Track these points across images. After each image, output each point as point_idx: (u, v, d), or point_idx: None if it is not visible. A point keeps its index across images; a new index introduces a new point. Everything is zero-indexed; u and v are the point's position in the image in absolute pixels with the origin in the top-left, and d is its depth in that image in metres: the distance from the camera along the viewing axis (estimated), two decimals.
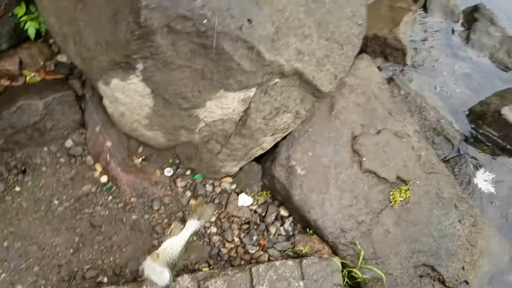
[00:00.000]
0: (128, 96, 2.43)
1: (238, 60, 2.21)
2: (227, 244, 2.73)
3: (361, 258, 2.76)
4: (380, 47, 3.89)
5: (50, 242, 2.43)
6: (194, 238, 2.69)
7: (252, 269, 2.48)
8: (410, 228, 3.00)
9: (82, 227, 2.53)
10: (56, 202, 2.56)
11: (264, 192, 2.98)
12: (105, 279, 2.40)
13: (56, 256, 2.40)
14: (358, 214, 2.86)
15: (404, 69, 3.98)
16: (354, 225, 2.82)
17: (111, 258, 2.48)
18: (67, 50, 2.39)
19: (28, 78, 2.70)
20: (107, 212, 2.63)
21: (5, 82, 2.64)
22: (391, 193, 3.02)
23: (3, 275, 2.27)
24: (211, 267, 2.62)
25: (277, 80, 2.44)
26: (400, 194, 3.04)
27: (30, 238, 2.41)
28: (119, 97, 2.46)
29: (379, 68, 3.99)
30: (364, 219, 2.87)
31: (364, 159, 2.99)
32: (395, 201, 3.00)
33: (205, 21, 2.03)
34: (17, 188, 2.53)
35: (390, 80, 3.80)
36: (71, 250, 2.44)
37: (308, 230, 2.86)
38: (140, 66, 2.19)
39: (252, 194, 2.95)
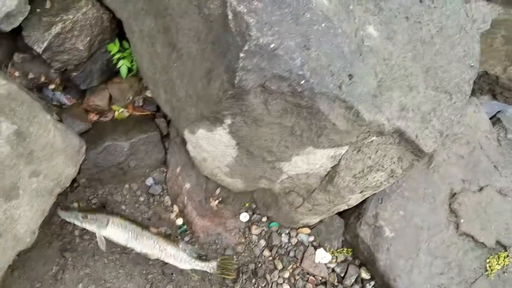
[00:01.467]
0: (212, 145, 2.32)
1: (333, 121, 2.00)
2: None
3: None
4: (489, 85, 3.45)
5: (123, 287, 2.39)
6: None
7: None
8: None
9: (154, 274, 2.47)
10: None
11: (345, 249, 2.74)
12: None
13: None
14: (449, 284, 2.54)
15: None
16: None
17: None
18: (157, 96, 2.34)
19: (116, 113, 2.70)
20: None
21: (94, 117, 2.66)
22: (488, 260, 2.66)
23: None
24: None
25: (374, 138, 2.19)
26: (498, 262, 2.67)
27: (104, 281, 2.39)
28: (203, 144, 2.35)
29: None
30: None
31: (462, 220, 2.65)
32: (491, 270, 2.64)
33: (302, 81, 1.84)
34: None
35: (495, 121, 3.36)
36: None
37: None
38: (228, 121, 2.06)
39: (331, 250, 2.72)
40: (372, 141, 2.21)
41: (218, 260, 2.51)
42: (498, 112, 3.52)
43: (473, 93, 3.41)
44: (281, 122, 2.05)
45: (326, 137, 2.10)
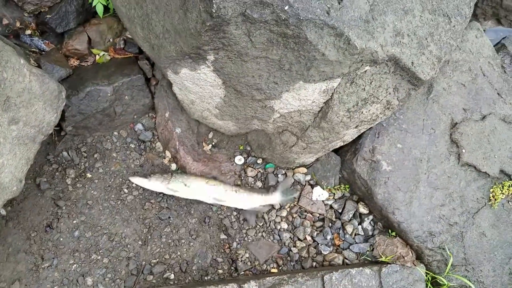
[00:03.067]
0: (198, 86, 2.21)
1: (322, 50, 1.87)
2: (298, 243, 2.54)
3: (449, 265, 2.46)
4: (493, 9, 3.23)
5: (120, 233, 2.40)
6: (264, 235, 2.53)
7: (325, 277, 2.28)
8: (510, 231, 2.61)
9: (151, 218, 2.46)
10: (126, 190, 2.50)
11: (342, 186, 2.70)
12: (172, 276, 2.34)
13: (125, 248, 2.37)
14: (450, 215, 2.52)
15: None
16: (444, 228, 2.49)
17: (178, 253, 2.41)
18: (134, 34, 2.19)
19: (97, 57, 2.57)
20: (175, 203, 2.53)
21: (75, 62, 2.53)
22: (491, 190, 2.63)
23: (74, 266, 2.28)
24: (280, 267, 2.46)
25: (367, 68, 2.07)
26: (502, 191, 2.64)
27: (100, 228, 2.39)
28: (189, 85, 2.24)
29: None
30: (457, 220, 2.52)
31: (463, 150, 2.58)
32: (495, 200, 2.61)
33: (286, 7, 1.69)
34: (89, 175, 2.49)
35: (500, 47, 3.19)
36: (140, 242, 2.39)
37: (390, 231, 2.58)
38: (211, 57, 1.94)
39: (328, 187, 2.68)
40: (365, 71, 2.09)
41: (279, 188, 2.57)
42: (503, 38, 3.34)
43: (475, 18, 3.22)
44: (267, 55, 1.92)
45: (316, 69, 1.98)
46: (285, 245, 2.53)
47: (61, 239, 2.34)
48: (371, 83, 2.15)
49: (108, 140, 2.58)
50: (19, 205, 2.36)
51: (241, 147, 2.73)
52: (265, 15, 1.71)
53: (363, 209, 2.64)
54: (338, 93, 2.14)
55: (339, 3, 1.83)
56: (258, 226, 2.54)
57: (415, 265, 2.43)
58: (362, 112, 2.25)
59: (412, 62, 2.11)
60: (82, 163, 2.51)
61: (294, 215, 2.60)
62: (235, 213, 2.56)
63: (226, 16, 1.68)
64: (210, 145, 2.70)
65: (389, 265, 2.39)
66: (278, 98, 2.18)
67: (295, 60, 1.93)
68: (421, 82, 2.20)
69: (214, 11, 1.65)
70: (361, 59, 1.99)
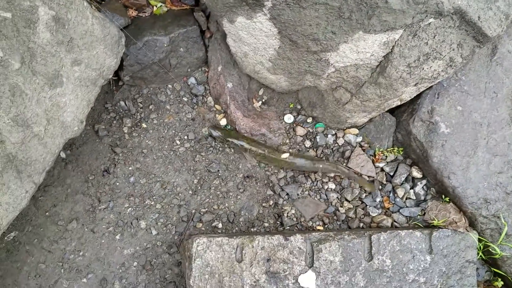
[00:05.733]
0: (253, 36, 2.19)
1: None
2: (345, 204, 2.51)
3: (503, 234, 2.36)
4: None
5: (172, 182, 2.47)
6: (311, 194, 2.52)
7: (372, 237, 2.25)
8: None
9: (201, 170, 2.51)
10: (178, 142, 2.56)
11: (396, 148, 2.62)
12: (220, 225, 2.39)
13: (177, 196, 2.44)
14: (508, 183, 2.39)
15: None
16: (501, 196, 2.37)
17: (226, 204, 2.45)
18: None
19: (155, 8, 2.60)
20: (224, 157, 2.56)
21: (133, 13, 2.58)
22: None
23: (129, 209, 2.38)
24: (326, 226, 2.45)
25: (431, 20, 1.96)
26: None
27: (154, 176, 2.47)
28: (243, 36, 2.23)
29: None
30: None
31: None
32: None
33: None
34: (144, 125, 2.57)
35: None
36: (190, 192, 2.46)
37: (443, 197, 2.49)
38: (269, 3, 1.91)
39: (381, 149, 2.61)
40: (429, 23, 1.98)
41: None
42: None
43: None
44: (327, 1, 1.86)
45: (378, 18, 1.90)
46: (331, 204, 2.51)
47: (117, 183, 2.44)
48: (434, 37, 2.04)
49: (163, 93, 2.64)
50: (78, 149, 2.48)
51: (291, 105, 2.70)
52: None
53: (416, 173, 2.56)
54: (399, 46, 2.05)
55: None
56: (305, 183, 2.53)
57: (467, 231, 2.34)
58: (423, 68, 2.15)
59: (479, 17, 1.98)
60: (138, 114, 2.58)
61: (343, 176, 2.56)
62: (282, 171, 2.56)
63: None
64: (260, 102, 2.69)
65: (440, 229, 2.32)
66: (334, 50, 2.12)
67: (356, 8, 1.86)
68: (487, 39, 2.06)
69: None
70: (426, 10, 1.88)
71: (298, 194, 2.52)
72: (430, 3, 1.84)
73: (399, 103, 2.44)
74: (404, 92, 2.29)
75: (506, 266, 2.41)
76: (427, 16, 1.92)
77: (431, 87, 2.39)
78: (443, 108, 2.41)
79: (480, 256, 2.43)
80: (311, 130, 2.68)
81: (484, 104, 2.44)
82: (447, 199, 2.47)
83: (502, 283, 2.47)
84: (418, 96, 2.44)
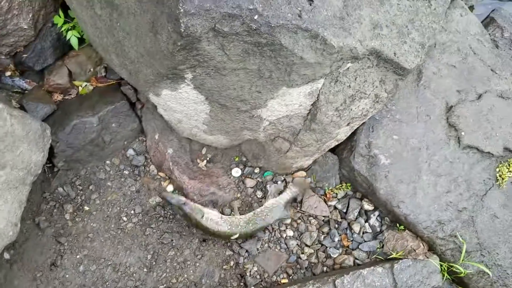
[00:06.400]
0: (182, 104, 2.18)
1: (300, 54, 1.83)
2: (306, 249, 2.49)
3: (463, 252, 2.39)
4: None
5: (124, 263, 2.37)
6: (270, 245, 2.48)
7: (336, 282, 2.23)
8: None
9: (154, 243, 2.43)
10: (125, 218, 2.47)
11: (344, 185, 2.65)
12: None
13: (131, 277, 2.34)
14: (458, 200, 2.45)
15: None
16: (453, 215, 2.43)
17: (185, 275, 2.37)
18: (111, 62, 2.17)
19: (80, 89, 2.56)
20: (176, 225, 2.49)
21: (58, 97, 2.52)
22: (497, 169, 2.55)
23: None
24: (291, 277, 2.42)
25: (349, 65, 2.02)
26: (508, 169, 2.57)
27: (104, 260, 2.36)
28: (172, 106, 2.22)
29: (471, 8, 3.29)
30: (466, 205, 2.45)
31: (462, 133, 2.52)
32: (502, 179, 2.54)
33: (256, 16, 1.66)
34: (86, 208, 2.47)
35: (489, 21, 3.12)
36: (145, 270, 2.36)
37: (398, 225, 2.52)
38: (189, 75, 1.91)
39: (330, 188, 2.63)
40: (348, 68, 2.04)
41: (291, 182, 2.63)
42: (492, 11, 3.26)
43: None
44: (245, 66, 1.88)
45: (297, 73, 1.94)
46: (293, 253, 2.48)
47: (67, 275, 2.32)
48: (355, 79, 2.10)
49: (101, 170, 2.56)
50: (22, 247, 2.34)
51: (237, 159, 2.69)
52: (236, 27, 1.68)
53: (367, 206, 2.59)
54: (324, 93, 2.10)
55: (310, 4, 1.79)
56: (263, 237, 2.50)
57: (427, 257, 2.37)
58: (351, 109, 2.21)
59: (395, 53, 2.06)
60: (79, 197, 2.49)
61: (299, 221, 2.55)
62: None
63: (196, 34, 1.65)
64: (205, 161, 2.66)
65: (401, 260, 2.33)
66: (264, 107, 2.15)
67: (274, 67, 1.89)
68: (407, 71, 2.15)
69: (183, 30, 1.62)
70: (341, 57, 1.94)
71: (258, 249, 2.48)
72: (344, 50, 1.90)
73: (337, 143, 2.48)
74: (338, 133, 2.34)
75: (473, 283, 2.44)
76: (343, 62, 1.99)
77: (364, 122, 2.44)
78: (379, 140, 2.47)
79: (447, 277, 2.45)
80: (260, 180, 2.67)
81: (419, 128, 2.52)
82: (401, 227, 2.50)
83: None
84: (354, 132, 2.49)
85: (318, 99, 2.12)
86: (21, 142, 1.96)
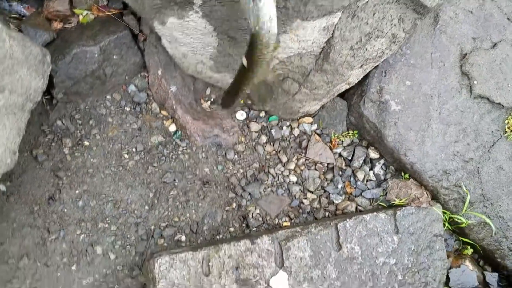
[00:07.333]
0: (188, 36, 2.07)
1: None
2: (308, 195, 2.45)
3: (466, 203, 2.38)
4: None
5: (125, 199, 2.32)
6: (273, 190, 2.44)
7: (339, 226, 2.21)
8: None
9: (156, 182, 2.38)
10: (126, 156, 2.40)
11: (350, 132, 2.59)
12: (183, 237, 2.28)
13: (132, 214, 2.30)
14: (465, 151, 2.41)
15: None
16: (459, 165, 2.39)
17: (187, 214, 2.33)
18: None
19: (81, 17, 2.41)
20: (179, 165, 2.44)
21: (58, 25, 2.38)
22: (506, 121, 2.51)
23: (82, 236, 2.22)
24: (292, 220, 2.39)
25: None
26: None
27: (105, 195, 2.31)
28: (178, 36, 2.10)
29: None
30: (473, 156, 2.42)
31: (475, 82, 2.45)
32: (511, 131, 2.48)
33: None
34: (86, 143, 2.39)
35: None
36: (146, 207, 2.32)
37: (403, 174, 2.48)
38: (198, 1, 1.79)
39: (336, 135, 2.57)
40: (367, 2, 1.92)
41: None
42: None
43: None
44: None
45: (313, 3, 1.82)
46: (295, 198, 2.45)
47: (65, 210, 2.28)
48: (374, 15, 1.99)
49: (102, 105, 2.47)
50: (18, 179, 2.28)
51: (242, 101, 2.60)
52: None
53: (373, 154, 2.54)
54: (340, 29, 1.99)
55: None
56: (266, 181, 2.45)
57: (431, 205, 2.35)
58: (366, 49, 2.11)
59: None
60: (78, 131, 2.40)
61: (302, 167, 2.51)
62: (241, 171, 2.48)
63: None
64: (209, 102, 2.58)
65: (403, 207, 2.31)
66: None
67: None
68: (427, 10, 2.04)
69: None
70: None
71: (260, 192, 2.44)
72: None
73: (347, 87, 2.40)
74: (351, 76, 2.25)
75: (474, 234, 2.44)
76: None
77: (377, 66, 2.35)
78: (391, 85, 2.39)
79: (447, 227, 2.45)
80: (265, 124, 2.60)
81: (432, 75, 2.44)
82: (406, 175, 2.47)
83: (472, 250, 2.51)
84: (366, 77, 2.41)
85: (333, 36, 2.01)
86: (21, 66, 1.85)
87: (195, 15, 1.89)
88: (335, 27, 1.98)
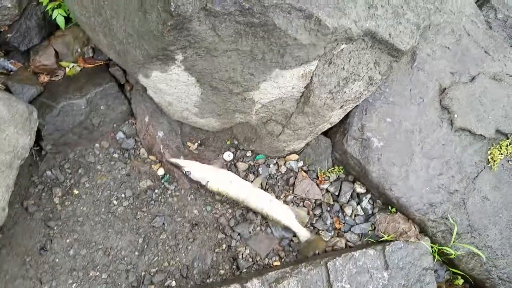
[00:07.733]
0: (172, 87, 2.13)
1: (293, 35, 1.78)
2: None
3: (454, 234, 2.41)
4: None
5: (115, 246, 2.34)
6: (262, 229, 2.47)
7: (328, 264, 2.23)
8: None
9: (145, 227, 2.40)
10: (115, 202, 2.44)
11: (336, 168, 2.63)
12: (173, 283, 2.29)
13: (122, 261, 2.32)
14: (449, 183, 2.46)
15: None
16: (445, 197, 2.44)
17: (177, 258, 2.36)
18: (98, 43, 2.10)
19: (67, 70, 2.48)
20: (168, 208, 2.47)
21: (45, 78, 2.45)
22: (489, 151, 2.56)
23: (74, 285, 2.24)
24: (283, 259, 2.42)
25: (343, 46, 1.98)
26: (500, 152, 2.57)
27: (95, 243, 2.33)
28: (163, 88, 2.16)
29: None
30: (457, 188, 2.46)
31: (455, 115, 2.51)
32: (494, 161, 2.54)
33: None
34: (76, 191, 2.43)
35: (483, 2, 3.08)
36: (136, 253, 2.34)
37: (390, 208, 2.52)
38: (179, 56, 1.86)
39: (323, 171, 2.62)
40: (342, 49, 2.00)
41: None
42: None
43: None
44: (237, 47, 1.84)
45: (290, 55, 1.89)
46: (285, 236, 2.48)
47: (57, 260, 2.29)
48: (349, 61, 2.06)
49: (91, 153, 2.51)
50: (10, 231, 2.31)
51: (228, 142, 2.66)
52: (228, 6, 1.63)
53: (360, 189, 2.58)
54: (317, 75, 2.06)
55: None
56: (255, 220, 2.49)
57: (419, 239, 2.38)
58: (345, 92, 2.18)
59: (389, 34, 2.02)
60: (68, 180, 2.44)
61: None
62: (230, 211, 2.51)
63: (187, 13, 1.60)
64: (196, 144, 2.63)
65: (392, 242, 2.34)
66: (256, 89, 2.10)
67: (267, 49, 1.85)
68: (402, 53, 2.12)
69: (173, 10, 1.57)
70: (336, 38, 1.90)
71: (250, 232, 2.47)
72: (338, 31, 1.86)
73: (330, 126, 2.46)
74: (332, 116, 2.31)
75: (463, 265, 2.46)
76: (338, 43, 1.95)
77: (357, 105, 2.42)
78: (372, 123, 2.45)
79: (437, 258, 2.48)
80: (252, 163, 2.65)
81: (412, 111, 2.50)
82: (393, 209, 2.50)
83: (462, 281, 2.52)
84: (347, 115, 2.47)
85: (311, 82, 2.08)
86: (7, 125, 1.90)
87: (177, 68, 1.96)
88: (313, 73, 2.05)
